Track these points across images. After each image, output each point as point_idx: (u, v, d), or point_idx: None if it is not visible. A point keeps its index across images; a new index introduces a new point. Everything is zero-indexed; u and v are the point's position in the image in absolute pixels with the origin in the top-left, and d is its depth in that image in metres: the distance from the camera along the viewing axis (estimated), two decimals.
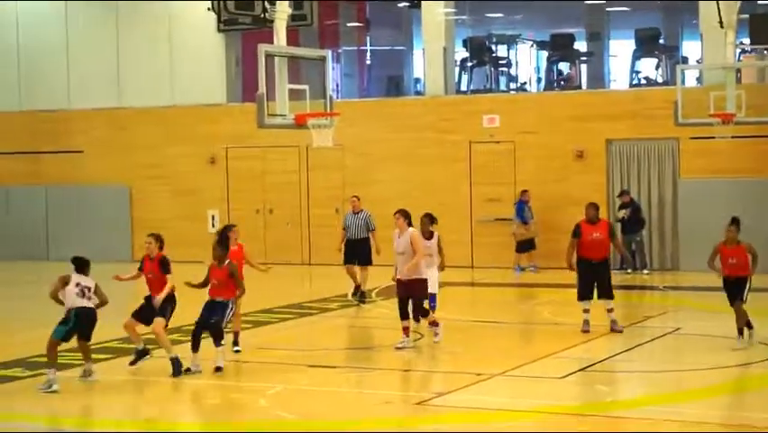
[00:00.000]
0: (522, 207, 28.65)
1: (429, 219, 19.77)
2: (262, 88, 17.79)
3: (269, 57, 18.22)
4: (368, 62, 38.06)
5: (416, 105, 31.90)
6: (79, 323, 15.47)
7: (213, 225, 32.62)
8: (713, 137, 25.63)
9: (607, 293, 18.91)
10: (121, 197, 33.65)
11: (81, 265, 15.82)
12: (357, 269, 23.51)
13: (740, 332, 17.12)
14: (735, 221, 17.43)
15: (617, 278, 22.29)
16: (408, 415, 13.67)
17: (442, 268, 19.87)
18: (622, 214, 28.05)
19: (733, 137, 25.61)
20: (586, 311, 18.87)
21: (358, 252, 23.47)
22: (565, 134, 29.33)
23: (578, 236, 18.90)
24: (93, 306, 15.62)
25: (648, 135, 28.65)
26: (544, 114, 29.80)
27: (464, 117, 30.42)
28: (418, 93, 34.51)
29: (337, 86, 34.18)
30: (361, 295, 23.34)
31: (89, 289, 15.63)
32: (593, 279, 18.85)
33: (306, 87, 18.97)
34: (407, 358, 17.22)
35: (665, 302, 24.04)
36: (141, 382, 16.10)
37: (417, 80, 35.89)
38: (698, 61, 31.64)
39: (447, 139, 30.39)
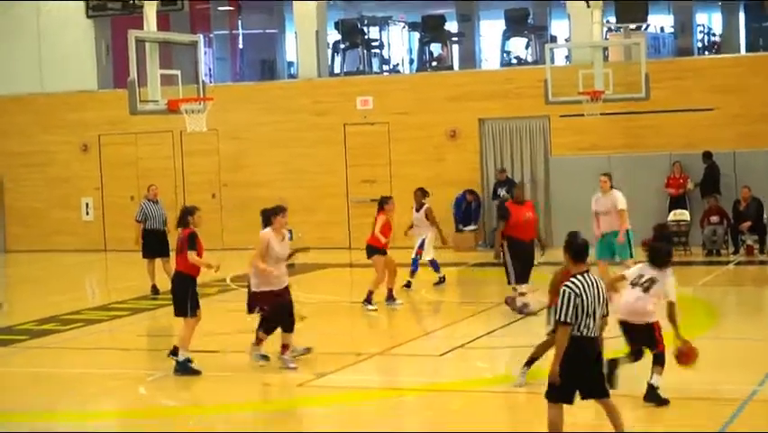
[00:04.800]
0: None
1: (422, 193, 22.50)
2: (134, 74, 17.71)
3: (140, 42, 18.13)
4: (240, 46, 37.90)
5: (289, 88, 31.88)
6: None
7: (87, 213, 32.30)
8: (582, 114, 26.10)
9: None
10: None
11: None
12: (159, 262, 22.42)
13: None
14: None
15: (490, 254, 22.65)
16: (290, 397, 13.74)
17: (443, 241, 22.32)
18: (502, 195, 28.48)
19: (601, 114, 26.12)
20: None
21: (162, 243, 22.54)
22: (439, 115, 29.60)
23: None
24: None
25: (519, 114, 29.05)
26: (417, 95, 30.03)
27: (338, 100, 30.51)
28: (292, 76, 34.50)
29: (210, 70, 34.02)
30: (155, 290, 22.37)
31: None
32: None
33: (178, 72, 18.96)
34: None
35: (539, 278, 24.38)
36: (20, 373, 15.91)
37: (291, 63, 35.86)
38: (566, 40, 32.17)
39: (322, 122, 30.46)
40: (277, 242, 14.89)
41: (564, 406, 10.40)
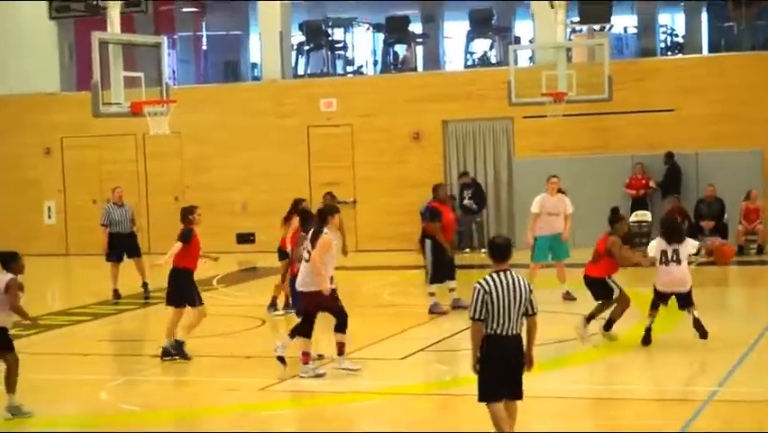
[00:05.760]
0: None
1: (331, 197, 20.69)
2: (97, 77, 17.68)
3: (103, 44, 18.07)
4: (204, 48, 37.81)
5: (253, 90, 31.85)
6: None
7: (49, 217, 32.14)
8: (545, 116, 26.18)
9: None
10: None
11: (2, 261, 13.16)
12: (123, 266, 22.66)
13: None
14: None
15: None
16: (252, 401, 13.71)
17: (344, 251, 19.85)
18: (467, 201, 28.55)
19: (564, 115, 26.21)
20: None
21: (128, 246, 22.75)
22: (402, 116, 29.63)
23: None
24: None
25: (483, 115, 29.12)
26: (380, 96, 30.06)
27: (302, 101, 30.49)
28: (256, 78, 34.47)
29: (173, 72, 33.92)
30: (145, 288, 22.69)
31: None
32: None
33: (141, 74, 18.92)
34: (250, 344, 17.24)
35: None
36: None
37: (254, 65, 35.82)
38: (530, 41, 32.24)
39: (285, 123, 30.44)
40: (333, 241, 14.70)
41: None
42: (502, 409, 10.49)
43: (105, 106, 18.22)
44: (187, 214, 16.39)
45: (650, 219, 26.78)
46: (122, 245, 22.62)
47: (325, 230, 14.52)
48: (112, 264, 22.59)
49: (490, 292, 10.25)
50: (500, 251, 10.51)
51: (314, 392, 14.10)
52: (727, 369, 14.17)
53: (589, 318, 15.96)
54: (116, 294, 22.35)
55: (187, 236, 16.06)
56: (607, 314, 16.05)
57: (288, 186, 29.89)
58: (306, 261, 14.51)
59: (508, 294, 10.27)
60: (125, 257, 22.71)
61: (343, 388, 14.23)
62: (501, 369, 10.40)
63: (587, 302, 17.04)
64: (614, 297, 15.96)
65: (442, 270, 19.23)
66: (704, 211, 26.51)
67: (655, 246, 15.46)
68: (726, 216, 26.25)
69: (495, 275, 10.36)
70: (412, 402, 13.52)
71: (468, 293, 10.78)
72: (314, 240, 14.47)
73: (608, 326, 16.04)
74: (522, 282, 10.40)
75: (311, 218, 15.30)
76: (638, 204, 27.09)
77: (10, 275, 12.97)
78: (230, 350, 16.77)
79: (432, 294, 19.31)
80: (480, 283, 10.35)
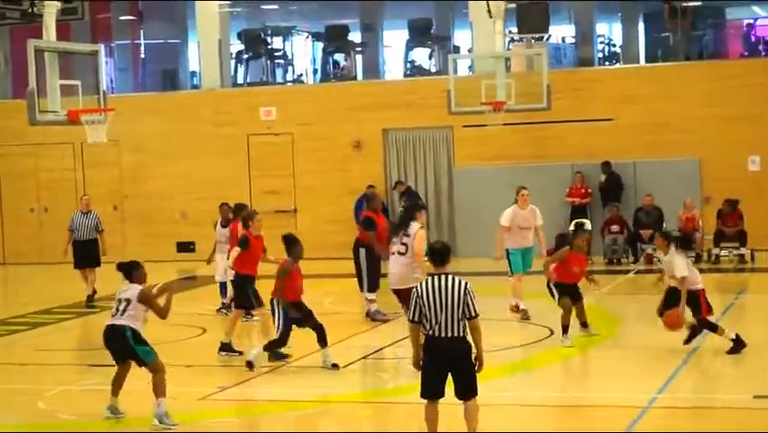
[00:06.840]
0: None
1: (229, 208, 20.82)
2: (33, 84, 17.54)
3: (39, 52, 17.94)
4: (142, 56, 37.56)
5: (192, 98, 31.71)
6: (107, 346, 13.25)
7: None
8: (485, 125, 26.27)
9: None
10: None
11: (124, 271, 13.14)
12: (87, 271, 22.90)
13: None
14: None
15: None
16: (192, 410, 13.61)
17: None
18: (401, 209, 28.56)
19: (504, 124, 26.31)
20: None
21: (89, 254, 22.91)
22: (343, 125, 29.62)
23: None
24: (122, 323, 12.93)
25: (423, 124, 29.17)
26: (320, 105, 30.03)
27: (241, 110, 30.39)
28: (194, 86, 34.31)
29: (111, 80, 33.67)
30: (89, 299, 22.65)
31: (123, 301, 12.94)
32: None
33: (78, 82, 18.82)
34: (190, 353, 17.13)
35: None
36: None
37: (193, 74, 35.65)
38: (469, 50, 32.34)
39: (225, 132, 30.32)
40: None
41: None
42: (433, 410, 10.83)
43: (42, 114, 18.09)
44: (247, 220, 16.92)
45: (589, 228, 26.86)
46: (82, 252, 22.75)
47: (417, 225, 15.86)
48: (80, 271, 22.98)
49: (422, 295, 10.56)
50: (438, 255, 10.85)
51: (254, 401, 14.06)
52: (667, 376, 14.28)
53: (583, 324, 17.02)
54: (89, 298, 22.54)
55: (243, 243, 16.60)
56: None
57: (229, 194, 29.63)
58: (402, 253, 15.76)
59: (440, 297, 10.50)
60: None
61: (284, 396, 14.19)
62: (438, 369, 10.64)
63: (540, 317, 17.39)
64: (557, 301, 16.75)
65: (377, 278, 19.51)
66: (643, 220, 26.69)
67: (685, 262, 15.60)
68: (665, 224, 26.41)
69: (430, 279, 10.65)
70: (353, 410, 13.50)
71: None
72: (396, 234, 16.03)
73: (563, 331, 16.52)
74: (458, 286, 10.57)
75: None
76: (578, 212, 27.21)
77: (138, 286, 12.94)
78: (168, 359, 16.62)
79: (372, 301, 19.35)
80: (416, 287, 10.71)
